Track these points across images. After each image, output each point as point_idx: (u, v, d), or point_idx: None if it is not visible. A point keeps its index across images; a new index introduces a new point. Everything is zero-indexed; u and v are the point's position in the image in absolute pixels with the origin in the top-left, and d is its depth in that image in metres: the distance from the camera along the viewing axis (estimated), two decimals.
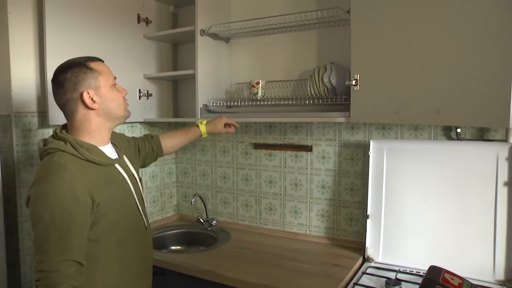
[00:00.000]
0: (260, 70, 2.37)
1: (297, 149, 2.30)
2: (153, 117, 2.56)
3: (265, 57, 2.35)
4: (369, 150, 2.00)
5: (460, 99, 1.50)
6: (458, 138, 1.90)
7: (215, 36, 2.30)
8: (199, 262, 1.97)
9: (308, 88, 2.01)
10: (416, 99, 1.59)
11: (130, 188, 1.46)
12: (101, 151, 1.40)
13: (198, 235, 2.50)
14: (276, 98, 2.13)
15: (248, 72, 2.40)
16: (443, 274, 1.45)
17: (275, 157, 2.39)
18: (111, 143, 1.50)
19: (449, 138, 1.94)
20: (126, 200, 1.44)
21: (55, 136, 1.38)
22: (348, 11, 1.80)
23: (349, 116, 1.79)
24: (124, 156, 1.53)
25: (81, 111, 1.37)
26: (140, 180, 1.58)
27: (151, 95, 2.52)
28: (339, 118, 1.86)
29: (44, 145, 1.35)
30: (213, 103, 2.25)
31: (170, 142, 1.95)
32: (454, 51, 1.50)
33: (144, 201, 1.57)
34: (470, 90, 1.47)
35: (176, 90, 2.75)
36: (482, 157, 1.77)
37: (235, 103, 2.21)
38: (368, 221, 2.01)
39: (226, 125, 2.05)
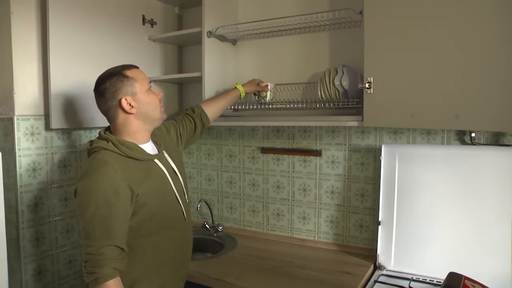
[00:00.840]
0: (268, 72, 2.35)
1: (305, 153, 2.28)
2: None
3: (274, 59, 2.33)
4: (380, 155, 1.97)
5: (481, 103, 1.45)
6: (473, 142, 1.86)
7: (222, 38, 2.27)
8: (206, 269, 1.92)
9: (319, 91, 1.98)
10: (434, 102, 1.54)
11: (169, 181, 1.55)
12: (141, 148, 1.50)
13: (204, 241, 2.47)
14: (285, 101, 2.11)
15: (255, 75, 2.38)
16: (464, 281, 1.39)
17: (283, 161, 2.37)
18: (152, 140, 1.60)
19: (463, 142, 1.90)
20: (164, 192, 1.53)
21: (100, 137, 1.50)
22: (361, 12, 1.75)
23: (362, 120, 1.75)
24: (164, 152, 1.62)
25: (121, 115, 1.49)
26: (182, 173, 1.66)
27: None
28: (351, 122, 1.81)
29: (90, 145, 1.48)
30: None
31: (213, 108, 1.98)
32: (474, 51, 1.45)
33: (185, 194, 1.65)
34: (491, 93, 1.42)
35: (181, 93, 2.74)
36: (498, 162, 1.73)
37: (242, 107, 2.18)
38: (380, 227, 1.97)
39: (258, 85, 2.13)
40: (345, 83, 1.91)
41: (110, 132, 1.53)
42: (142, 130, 1.53)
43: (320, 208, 2.27)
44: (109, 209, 1.34)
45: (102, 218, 1.33)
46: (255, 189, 2.48)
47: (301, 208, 2.34)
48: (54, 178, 2.07)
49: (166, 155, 1.63)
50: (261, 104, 2.14)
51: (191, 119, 1.91)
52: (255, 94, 2.17)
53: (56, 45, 1.90)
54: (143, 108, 1.50)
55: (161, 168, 1.55)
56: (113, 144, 1.45)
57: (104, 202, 1.33)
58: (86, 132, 2.21)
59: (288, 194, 2.37)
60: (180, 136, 1.84)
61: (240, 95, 2.08)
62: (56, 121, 1.93)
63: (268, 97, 2.13)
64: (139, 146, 1.50)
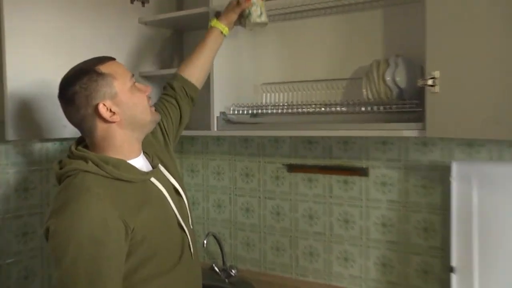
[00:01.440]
0: (295, 66, 2.34)
1: (347, 172, 2.28)
2: None
3: (303, 48, 2.32)
4: (450, 175, 1.93)
5: None
6: None
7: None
8: None
9: (364, 91, 1.98)
10: None
11: (170, 204, 1.55)
12: (131, 165, 1.49)
13: None
14: (319, 104, 2.08)
15: (279, 69, 2.38)
16: None
17: (316, 183, 2.36)
18: (143, 152, 1.60)
19: None
20: (166, 221, 1.54)
21: (71, 155, 1.47)
22: None
23: (423, 129, 1.72)
24: (160, 165, 1.62)
25: (100, 126, 1.46)
26: (184, 190, 1.68)
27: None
28: (409, 131, 1.78)
29: (60, 168, 1.45)
30: (234, 110, 2.23)
31: (196, 68, 1.95)
32: None
33: (190, 218, 1.67)
34: None
35: None
36: None
37: (263, 111, 2.18)
38: (453, 276, 1.90)
39: (238, 3, 2.02)
40: (400, 79, 1.89)
41: (85, 147, 1.52)
42: (130, 141, 1.52)
43: (368, 247, 2.25)
44: (96, 250, 1.31)
45: (87, 263, 1.30)
46: (280, 219, 2.48)
47: (341, 246, 2.32)
48: (9, 206, 2.06)
49: (162, 169, 1.62)
50: (287, 107, 2.13)
51: (173, 101, 1.87)
52: (240, 22, 2.08)
53: (13, 29, 1.89)
54: (128, 112, 1.48)
55: (159, 189, 1.54)
56: (94, 163, 1.42)
57: (89, 241, 1.30)
58: (55, 144, 2.20)
59: (324, 226, 2.35)
60: (167, 133, 1.83)
61: (222, 32, 2.00)
62: (14, 131, 1.90)
63: (255, 15, 2.01)
64: (128, 163, 1.48)
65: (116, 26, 2.30)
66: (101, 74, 1.44)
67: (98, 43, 2.18)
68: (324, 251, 2.35)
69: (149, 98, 1.55)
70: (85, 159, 1.43)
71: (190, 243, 1.60)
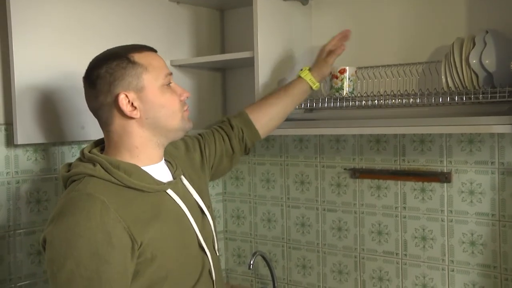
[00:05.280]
0: (359, 49, 2.30)
1: (424, 178, 2.26)
2: None
3: (367, 27, 2.33)
4: None
5: None
6: None
7: None
8: None
9: (443, 77, 1.96)
10: None
11: (190, 222, 1.57)
12: (146, 173, 1.52)
13: None
14: (388, 95, 2.07)
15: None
16: None
17: (386, 191, 2.35)
18: (165, 160, 1.64)
19: None
20: (182, 240, 1.55)
21: (82, 157, 1.52)
22: None
23: None
24: (183, 177, 1.66)
25: (118, 120, 1.52)
26: (210, 207, 1.72)
27: None
28: (502, 126, 1.77)
29: (67, 171, 1.50)
30: None
31: (265, 117, 1.98)
32: None
33: (215, 240, 1.69)
34: None
35: (224, 85, 2.78)
36: None
37: (320, 105, 2.16)
38: None
39: (331, 52, 2.07)
40: (490, 61, 1.86)
41: (102, 150, 1.58)
42: (150, 145, 1.56)
43: (452, 270, 2.22)
44: (97, 267, 1.34)
45: (85, 281, 1.33)
46: (342, 235, 2.47)
47: (418, 269, 2.30)
48: (20, 221, 2.09)
49: (185, 181, 1.66)
50: (351, 99, 2.13)
51: (224, 136, 1.93)
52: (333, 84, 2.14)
53: (20, 16, 1.91)
54: (152, 112, 1.52)
55: (176, 204, 1.57)
56: (103, 167, 1.46)
57: (89, 256, 1.34)
58: (73, 148, 2.24)
59: (397, 245, 2.34)
60: (207, 159, 1.87)
61: (311, 87, 2.03)
62: (24, 133, 1.93)
63: (346, 89, 2.13)
64: (143, 170, 1.52)
65: (142, 5, 2.32)
66: (132, 62, 1.49)
67: (121, 27, 2.20)
68: (396, 275, 2.33)
69: (184, 104, 1.59)
70: (93, 162, 1.48)
71: (212, 268, 1.62)
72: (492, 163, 2.10)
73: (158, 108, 1.52)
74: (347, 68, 2.13)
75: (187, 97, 1.59)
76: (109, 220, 1.37)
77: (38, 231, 2.11)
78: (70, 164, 1.52)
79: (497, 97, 1.80)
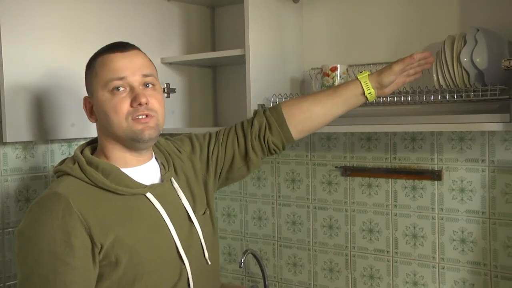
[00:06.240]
0: (349, 47, 2.35)
1: (415, 176, 2.27)
2: (177, 126, 2.58)
3: (359, 24, 2.34)
4: None
5: None
6: None
7: None
8: None
9: (434, 75, 1.97)
10: None
11: (167, 228, 1.53)
12: (125, 174, 1.51)
13: None
14: None
15: (330, 51, 2.38)
16: None
17: (377, 189, 2.36)
18: (156, 159, 1.64)
19: None
20: (156, 247, 1.51)
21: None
22: None
23: None
24: (173, 180, 1.63)
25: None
26: (208, 213, 1.69)
27: (173, 90, 2.49)
28: (493, 124, 1.78)
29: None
30: (275, 102, 2.21)
31: (302, 115, 1.77)
32: None
33: (204, 249, 1.63)
34: None
35: (214, 83, 2.79)
36: None
37: None
38: None
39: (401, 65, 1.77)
40: (480, 60, 1.86)
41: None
42: (116, 148, 1.54)
43: (443, 268, 2.23)
44: (54, 267, 1.36)
45: (41, 279, 1.35)
46: (333, 233, 2.47)
47: (409, 267, 2.30)
48: (9, 219, 2.09)
49: (175, 185, 1.62)
50: None
51: (240, 137, 1.77)
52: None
53: (9, 15, 1.91)
54: (101, 119, 1.54)
55: (155, 208, 1.53)
56: (80, 167, 1.48)
57: (47, 256, 1.36)
58: (62, 146, 2.24)
59: (388, 243, 2.35)
60: (212, 163, 1.76)
61: (364, 93, 1.76)
62: (13, 131, 1.93)
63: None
64: (121, 172, 1.52)
65: (132, 3, 2.32)
66: (92, 66, 1.53)
67: (112, 25, 2.20)
68: (387, 274, 2.34)
69: (138, 110, 1.46)
70: (74, 161, 1.51)
71: (190, 279, 1.55)
72: (483, 161, 2.11)
73: (103, 115, 1.50)
74: (338, 66, 2.14)
75: (145, 103, 1.46)
76: (70, 220, 1.37)
77: None
78: (63, 161, 1.55)
79: (488, 95, 1.81)
